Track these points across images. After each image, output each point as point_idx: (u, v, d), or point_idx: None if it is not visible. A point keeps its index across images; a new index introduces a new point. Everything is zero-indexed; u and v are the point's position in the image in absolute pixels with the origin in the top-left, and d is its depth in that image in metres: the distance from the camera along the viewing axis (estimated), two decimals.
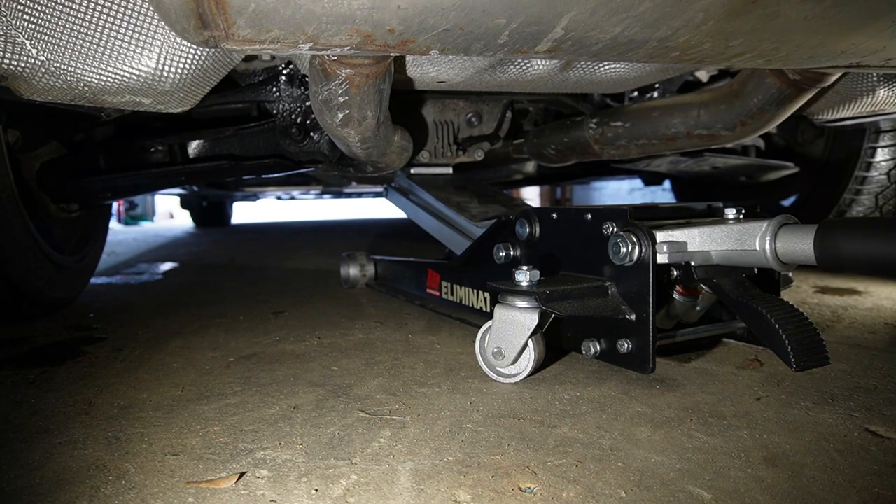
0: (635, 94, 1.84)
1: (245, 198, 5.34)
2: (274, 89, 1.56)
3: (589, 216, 1.07)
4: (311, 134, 1.61)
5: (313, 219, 8.08)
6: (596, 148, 1.73)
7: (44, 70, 0.99)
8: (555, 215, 1.16)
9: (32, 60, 0.97)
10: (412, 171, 1.91)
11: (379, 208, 9.65)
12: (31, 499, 0.69)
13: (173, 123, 1.68)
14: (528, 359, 1.02)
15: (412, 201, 1.80)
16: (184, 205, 6.03)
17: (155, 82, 1.04)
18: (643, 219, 1.01)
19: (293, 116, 1.58)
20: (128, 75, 1.01)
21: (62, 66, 0.99)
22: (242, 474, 0.73)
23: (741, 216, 1.05)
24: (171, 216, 10.25)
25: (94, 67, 0.99)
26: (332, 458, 0.77)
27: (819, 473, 0.71)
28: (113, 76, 1.01)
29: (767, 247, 0.95)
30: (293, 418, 0.90)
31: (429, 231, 1.71)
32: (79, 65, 0.99)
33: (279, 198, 5.44)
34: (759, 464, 0.74)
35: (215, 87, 1.17)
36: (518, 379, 1.03)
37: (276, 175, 1.83)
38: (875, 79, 1.35)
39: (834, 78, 1.18)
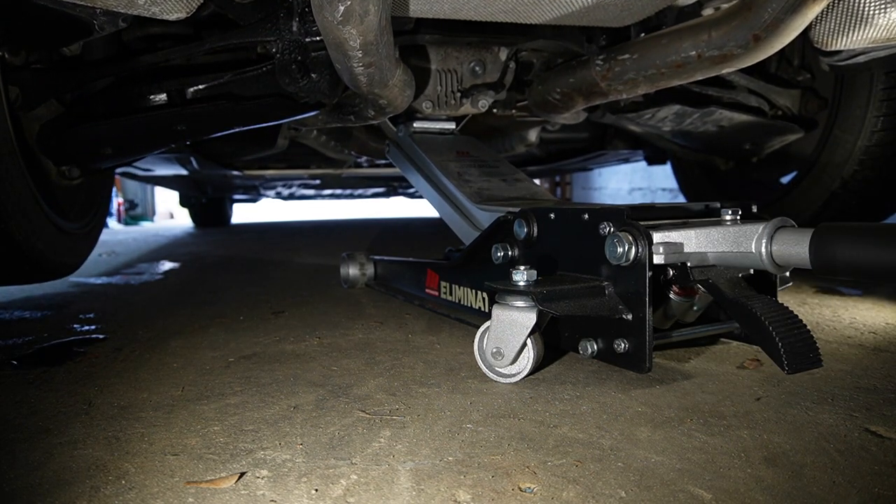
0: (642, 35, 1.82)
1: (245, 192, 5.32)
2: (273, 26, 1.56)
3: (586, 216, 1.07)
4: (311, 74, 1.61)
5: (313, 219, 8.08)
6: (603, 85, 1.70)
7: None
8: (552, 215, 1.16)
9: None
10: (414, 125, 1.91)
11: (378, 209, 9.65)
12: (31, 499, 0.69)
13: (172, 71, 1.68)
14: (528, 358, 1.02)
15: (413, 165, 1.81)
16: (183, 202, 6.03)
17: None
18: (640, 219, 1.01)
19: (292, 54, 1.58)
20: None
21: None
22: (242, 474, 0.73)
23: (738, 217, 1.05)
24: (172, 216, 10.26)
25: None
26: (332, 457, 0.77)
27: (819, 473, 0.71)
28: None
29: (763, 249, 0.95)
30: (293, 418, 0.90)
31: (426, 198, 1.73)
32: None
33: (279, 194, 5.42)
34: (759, 464, 0.74)
35: (215, 29, 1.10)
36: (517, 379, 1.03)
37: (277, 122, 1.79)
38: None
39: None
